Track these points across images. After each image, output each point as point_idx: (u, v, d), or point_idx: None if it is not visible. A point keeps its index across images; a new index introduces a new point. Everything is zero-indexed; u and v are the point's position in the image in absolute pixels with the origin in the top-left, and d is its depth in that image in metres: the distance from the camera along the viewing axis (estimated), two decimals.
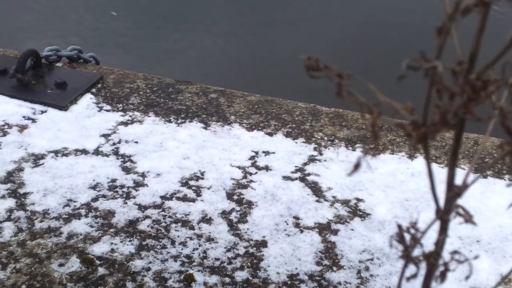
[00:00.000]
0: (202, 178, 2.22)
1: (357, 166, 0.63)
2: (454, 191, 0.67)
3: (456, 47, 0.63)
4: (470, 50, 0.61)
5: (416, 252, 0.72)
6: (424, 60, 0.59)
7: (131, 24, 5.11)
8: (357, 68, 4.07)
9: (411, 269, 0.73)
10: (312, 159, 2.35)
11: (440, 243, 0.70)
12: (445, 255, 0.71)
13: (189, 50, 4.80)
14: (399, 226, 0.71)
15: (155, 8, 5.44)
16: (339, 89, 0.63)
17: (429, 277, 0.72)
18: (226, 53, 4.78)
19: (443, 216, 0.69)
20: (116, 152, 2.34)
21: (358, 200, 2.15)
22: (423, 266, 0.73)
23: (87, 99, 2.66)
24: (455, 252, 0.68)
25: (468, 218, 0.65)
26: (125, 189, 2.14)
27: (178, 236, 1.94)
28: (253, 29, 5.10)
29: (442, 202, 0.70)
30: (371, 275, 1.83)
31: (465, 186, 0.67)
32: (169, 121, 2.55)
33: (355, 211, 2.09)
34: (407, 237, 0.72)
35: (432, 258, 0.70)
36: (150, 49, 4.81)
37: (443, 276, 0.70)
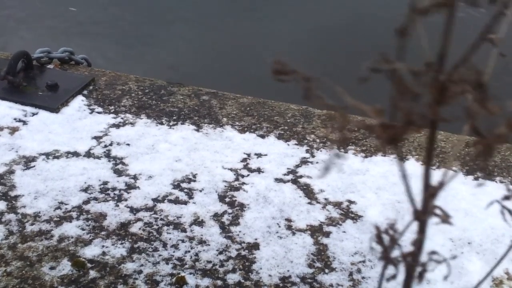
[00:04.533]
0: (194, 181, 2.21)
1: (327, 169, 0.64)
2: (430, 191, 0.67)
3: (425, 48, 0.63)
4: (438, 51, 0.61)
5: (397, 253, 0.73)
6: (386, 62, 0.60)
7: (116, 21, 5.09)
8: (348, 66, 4.07)
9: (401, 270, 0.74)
10: (304, 161, 2.35)
11: (417, 244, 0.71)
12: (424, 256, 0.71)
13: (177, 50, 4.79)
14: (377, 228, 0.72)
15: (140, 4, 5.43)
16: (307, 93, 0.63)
17: (409, 278, 0.73)
18: (216, 54, 4.78)
19: (420, 216, 0.69)
20: (107, 155, 2.33)
21: (350, 202, 2.15)
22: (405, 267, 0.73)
23: (79, 101, 2.65)
24: (432, 252, 0.69)
25: (445, 218, 0.66)
26: (116, 192, 2.14)
27: (170, 239, 1.94)
28: (245, 29, 5.09)
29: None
30: (363, 277, 1.83)
31: (440, 185, 0.68)
32: (161, 123, 2.54)
33: (347, 213, 2.09)
34: (386, 238, 0.72)
35: (410, 258, 0.70)
36: (137, 47, 4.80)
37: (420, 277, 0.71)
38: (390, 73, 0.59)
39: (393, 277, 0.72)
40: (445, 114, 0.61)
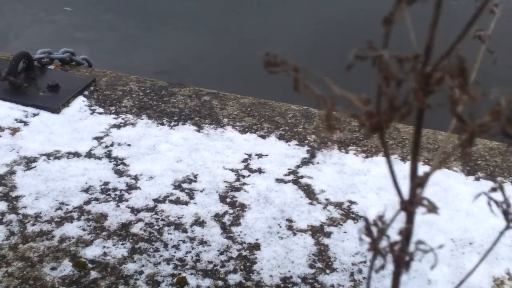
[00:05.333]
0: (195, 181, 2.22)
1: (312, 156, 0.65)
2: (417, 181, 0.68)
3: (412, 38, 0.64)
4: (425, 41, 0.62)
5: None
6: (371, 49, 0.60)
7: (117, 21, 5.10)
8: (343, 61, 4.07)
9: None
10: (305, 162, 2.35)
11: (404, 233, 0.71)
12: (411, 246, 0.72)
13: (178, 51, 4.79)
14: (366, 220, 0.72)
15: (140, 4, 5.43)
16: (295, 83, 0.64)
17: (398, 268, 0.73)
18: (216, 54, 4.78)
19: (407, 207, 0.70)
20: (108, 155, 2.33)
21: (351, 202, 2.15)
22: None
23: (80, 102, 2.66)
24: (419, 242, 0.69)
25: (432, 209, 0.66)
26: (117, 192, 2.14)
27: (171, 239, 1.94)
28: (246, 30, 5.10)
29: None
30: (364, 278, 1.83)
31: (426, 176, 0.68)
32: (162, 124, 2.55)
33: (348, 213, 2.09)
34: (374, 230, 0.73)
35: (397, 247, 0.71)
36: (138, 47, 4.80)
37: (407, 266, 0.71)
38: (376, 60, 0.60)
39: (382, 267, 0.72)
40: (430, 102, 0.62)
